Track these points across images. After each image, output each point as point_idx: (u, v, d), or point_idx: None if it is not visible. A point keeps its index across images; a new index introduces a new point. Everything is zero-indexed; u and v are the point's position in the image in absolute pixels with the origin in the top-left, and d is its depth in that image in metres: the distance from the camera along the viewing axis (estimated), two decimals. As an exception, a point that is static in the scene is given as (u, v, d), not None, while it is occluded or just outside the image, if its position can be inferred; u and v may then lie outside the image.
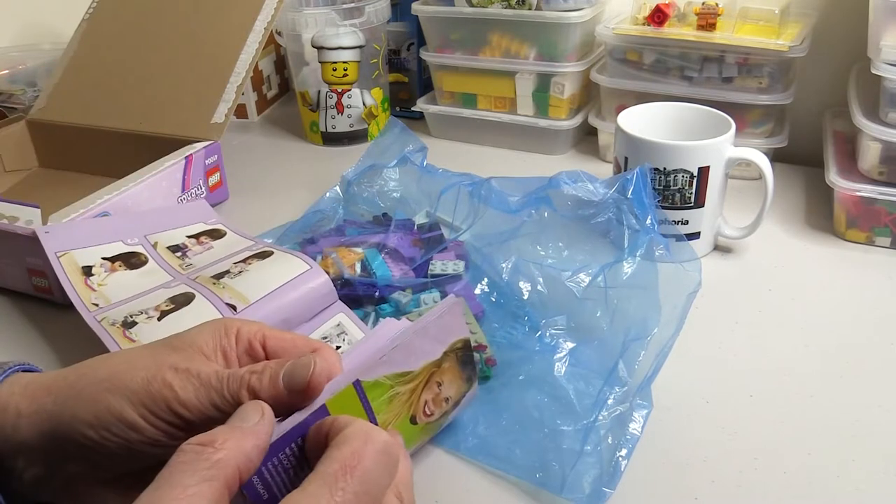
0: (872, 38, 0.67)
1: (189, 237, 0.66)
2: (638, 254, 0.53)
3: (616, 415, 0.48)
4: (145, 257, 0.62)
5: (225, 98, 0.79)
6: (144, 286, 0.58)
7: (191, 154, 0.75)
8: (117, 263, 0.61)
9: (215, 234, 0.67)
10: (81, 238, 0.61)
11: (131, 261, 0.61)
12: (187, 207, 0.73)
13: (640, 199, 0.58)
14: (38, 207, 0.62)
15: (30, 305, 0.65)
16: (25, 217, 0.62)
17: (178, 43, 0.85)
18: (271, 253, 0.60)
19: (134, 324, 0.53)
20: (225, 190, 0.82)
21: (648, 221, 0.56)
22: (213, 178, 0.79)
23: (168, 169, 0.72)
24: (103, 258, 0.61)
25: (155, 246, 0.64)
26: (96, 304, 0.56)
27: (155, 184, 0.71)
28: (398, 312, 0.59)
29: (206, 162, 0.78)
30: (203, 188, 0.78)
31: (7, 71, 0.97)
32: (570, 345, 0.54)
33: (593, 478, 0.44)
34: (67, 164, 0.87)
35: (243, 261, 0.60)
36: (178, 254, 0.64)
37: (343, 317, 0.57)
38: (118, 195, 0.67)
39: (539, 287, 0.59)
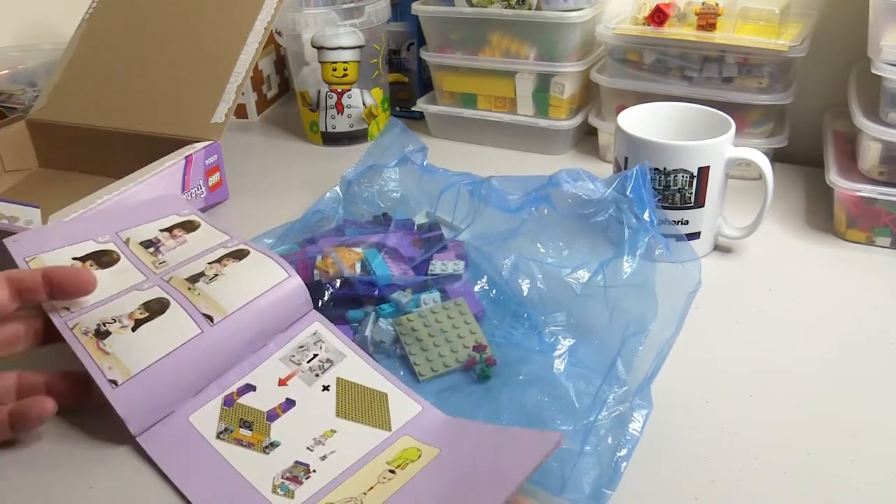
0: (872, 38, 0.67)
1: (162, 231, 0.64)
2: (637, 253, 0.53)
3: (616, 415, 0.48)
4: (117, 255, 0.60)
5: (225, 98, 0.79)
6: (117, 287, 0.56)
7: (191, 154, 0.75)
8: (88, 263, 0.58)
9: (189, 227, 0.65)
10: (51, 241, 0.60)
11: (102, 259, 0.59)
12: (160, 200, 0.70)
13: (640, 195, 0.57)
14: (37, 207, 0.62)
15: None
16: (25, 217, 0.62)
17: (178, 43, 0.85)
18: (247, 252, 0.59)
19: (107, 333, 0.51)
20: (225, 190, 0.82)
21: (647, 217, 0.56)
22: (213, 178, 0.79)
23: (168, 169, 0.72)
24: (74, 258, 0.58)
25: (127, 242, 0.61)
26: (67, 309, 0.53)
27: (155, 184, 0.71)
28: (398, 312, 0.59)
29: (206, 162, 0.78)
30: (203, 188, 0.78)
31: (7, 71, 0.98)
32: (570, 341, 0.54)
33: (593, 478, 0.44)
34: (67, 164, 0.87)
35: (218, 261, 0.58)
36: (151, 249, 0.61)
37: (319, 325, 0.57)
38: (118, 195, 0.67)
39: (539, 284, 0.59)
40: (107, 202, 0.66)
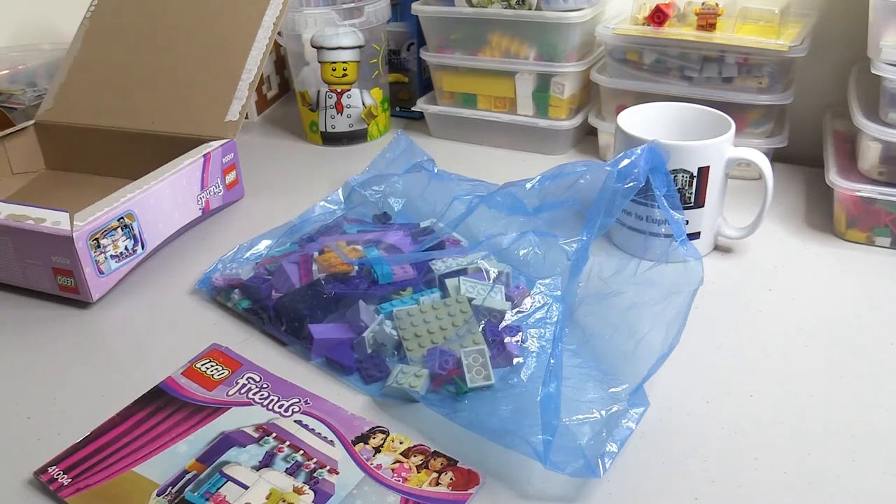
0: (872, 38, 0.67)
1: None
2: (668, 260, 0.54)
3: (612, 412, 0.48)
4: None
5: (238, 96, 0.79)
6: None
7: (209, 152, 0.75)
8: None
9: None
10: None
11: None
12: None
13: (660, 175, 0.58)
14: (66, 212, 0.62)
15: (54, 305, 0.65)
16: (53, 218, 0.62)
17: (184, 40, 0.84)
18: None
19: None
20: (241, 188, 0.82)
21: (676, 215, 0.57)
22: (230, 177, 0.79)
23: (188, 167, 0.72)
24: None
25: None
26: None
27: (176, 182, 0.71)
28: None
29: (223, 160, 0.78)
30: (221, 186, 0.78)
31: (7, 71, 0.98)
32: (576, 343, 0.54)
33: (580, 467, 0.44)
34: (74, 165, 0.87)
35: None
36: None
37: None
38: (142, 193, 0.67)
39: (536, 250, 0.59)
40: (130, 201, 0.65)
